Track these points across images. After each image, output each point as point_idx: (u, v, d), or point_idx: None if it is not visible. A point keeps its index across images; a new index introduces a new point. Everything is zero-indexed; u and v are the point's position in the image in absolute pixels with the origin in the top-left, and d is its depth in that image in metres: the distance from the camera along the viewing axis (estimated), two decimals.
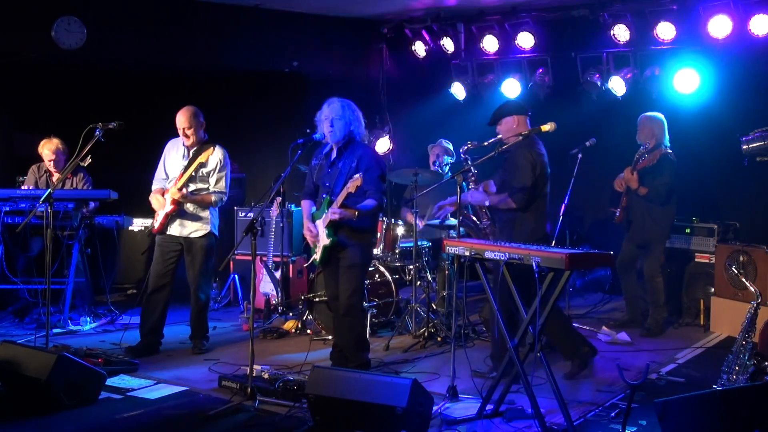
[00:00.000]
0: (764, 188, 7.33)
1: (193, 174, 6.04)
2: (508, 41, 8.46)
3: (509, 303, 5.00)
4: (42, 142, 7.16)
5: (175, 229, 6.12)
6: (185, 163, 6.09)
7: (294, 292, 7.48)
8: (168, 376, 5.59)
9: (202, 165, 6.04)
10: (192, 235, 6.13)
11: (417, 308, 6.80)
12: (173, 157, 6.20)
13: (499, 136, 5.54)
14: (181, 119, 6.05)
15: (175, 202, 6.02)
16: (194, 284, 6.21)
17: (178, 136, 6.15)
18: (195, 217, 6.12)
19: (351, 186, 5.20)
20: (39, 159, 7.29)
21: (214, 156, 6.09)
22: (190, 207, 6.10)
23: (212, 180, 6.12)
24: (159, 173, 6.27)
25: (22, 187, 7.11)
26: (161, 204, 6.08)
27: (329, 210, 5.30)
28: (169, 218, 6.09)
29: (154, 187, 6.23)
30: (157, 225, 6.12)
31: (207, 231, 6.16)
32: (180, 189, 5.99)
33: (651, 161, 6.63)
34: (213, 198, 6.11)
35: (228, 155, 6.21)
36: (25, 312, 7.18)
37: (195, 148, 6.11)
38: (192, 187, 6.08)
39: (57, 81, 7.99)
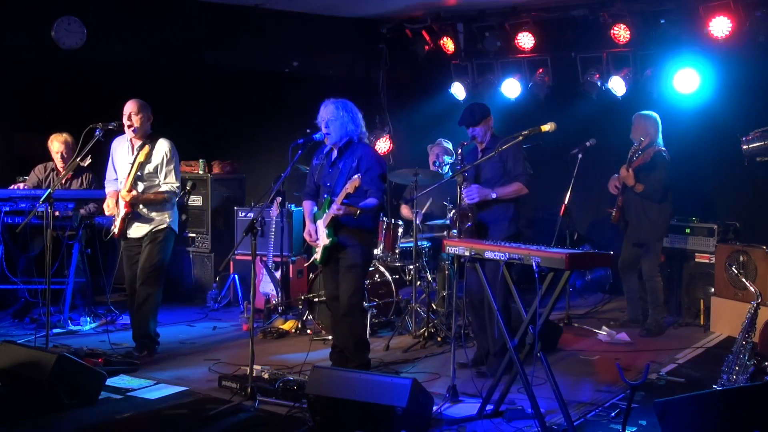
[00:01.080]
0: (764, 188, 7.33)
1: (139, 173, 5.88)
2: (508, 41, 8.46)
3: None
4: (52, 136, 7.14)
5: (135, 231, 6.00)
6: (131, 159, 5.92)
7: (294, 292, 7.48)
8: (168, 376, 5.59)
9: (146, 162, 5.87)
10: (151, 231, 6.01)
11: (417, 308, 6.80)
12: (120, 156, 6.05)
13: (473, 135, 5.67)
14: (129, 105, 5.89)
15: (127, 204, 5.88)
16: (142, 278, 5.96)
17: (124, 132, 5.99)
18: (151, 217, 5.97)
19: (349, 187, 5.20)
20: (40, 159, 7.28)
21: (160, 150, 5.92)
22: (144, 208, 5.96)
23: (161, 175, 5.96)
24: (109, 174, 6.14)
25: (20, 186, 7.10)
26: (112, 207, 5.96)
27: (330, 208, 5.31)
28: (127, 221, 5.96)
29: (107, 190, 6.12)
30: (116, 230, 6.00)
31: (164, 227, 6.00)
32: (129, 191, 5.85)
33: (645, 159, 6.62)
34: (164, 194, 5.95)
35: (175, 147, 6.03)
36: (25, 312, 7.18)
37: (140, 143, 5.95)
38: (141, 186, 5.93)
39: (57, 81, 7.98)
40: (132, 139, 5.98)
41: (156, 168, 5.94)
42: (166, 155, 5.95)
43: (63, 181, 6.98)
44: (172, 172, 5.99)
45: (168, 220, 6.02)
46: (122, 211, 5.92)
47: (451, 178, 5.63)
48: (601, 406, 4.95)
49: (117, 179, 6.08)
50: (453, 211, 6.16)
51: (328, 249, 5.42)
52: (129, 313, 6.25)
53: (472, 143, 5.78)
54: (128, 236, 6.02)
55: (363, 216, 5.33)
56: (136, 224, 5.99)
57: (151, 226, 5.99)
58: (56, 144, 7.09)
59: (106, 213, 6.07)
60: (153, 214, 5.98)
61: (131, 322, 6.19)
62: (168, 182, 5.97)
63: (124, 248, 6.12)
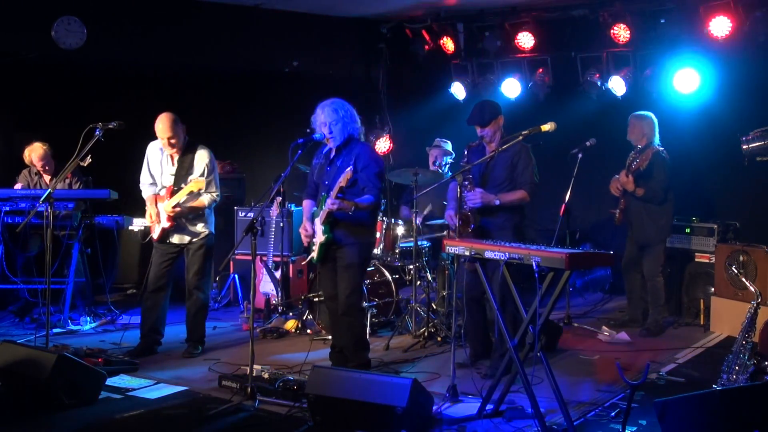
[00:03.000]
0: (764, 188, 7.33)
1: (183, 185, 5.93)
2: (508, 41, 8.46)
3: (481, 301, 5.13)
4: (27, 150, 7.16)
5: (176, 238, 6.09)
6: (172, 171, 6.01)
7: (294, 292, 7.48)
8: (168, 376, 5.59)
9: (187, 175, 5.95)
10: (193, 241, 6.11)
11: (417, 308, 6.80)
12: (158, 162, 6.09)
13: (482, 135, 5.63)
14: (163, 129, 5.87)
15: (170, 218, 5.98)
16: (194, 284, 6.14)
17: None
18: (193, 224, 6.07)
19: (342, 180, 5.20)
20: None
21: (200, 161, 5.99)
22: (185, 218, 6.04)
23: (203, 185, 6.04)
24: (145, 177, 6.16)
25: (15, 187, 7.13)
26: (156, 219, 6.03)
27: (326, 203, 5.31)
28: (167, 230, 6.05)
29: (145, 194, 6.14)
30: (156, 236, 6.06)
31: (206, 234, 6.13)
32: (174, 207, 5.93)
33: (644, 162, 6.61)
34: (206, 202, 6.04)
35: (213, 154, 6.11)
36: (25, 312, 7.18)
37: (179, 155, 6.02)
38: (183, 198, 5.99)
39: (57, 81, 7.99)
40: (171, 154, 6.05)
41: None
42: (207, 166, 6.02)
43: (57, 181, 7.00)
44: (213, 181, 6.07)
45: (207, 227, 6.14)
46: (164, 224, 6.00)
47: (450, 178, 5.61)
48: (601, 406, 4.95)
49: (153, 183, 6.12)
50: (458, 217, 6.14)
51: (324, 246, 5.41)
52: (142, 308, 6.24)
53: (480, 143, 5.74)
54: (168, 241, 6.09)
55: (359, 213, 5.32)
56: (176, 233, 6.07)
57: (192, 236, 6.09)
58: (36, 158, 7.16)
59: (148, 222, 6.12)
60: (193, 224, 6.08)
61: (145, 320, 6.18)
62: (210, 192, 6.05)
63: (158, 247, 6.13)
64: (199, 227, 6.10)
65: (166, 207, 5.97)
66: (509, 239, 5.36)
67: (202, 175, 5.99)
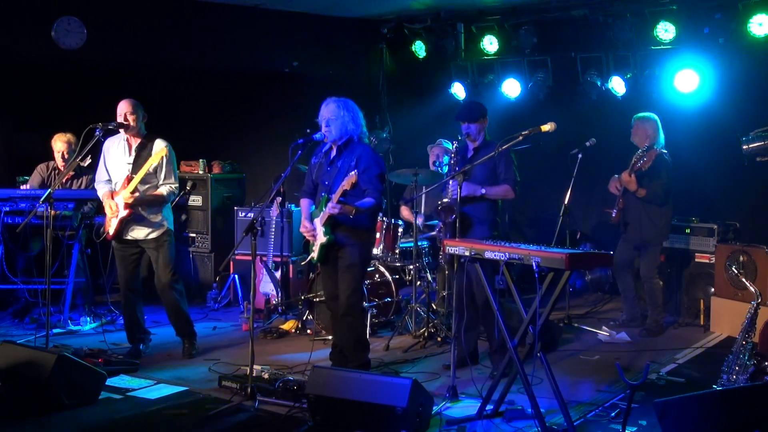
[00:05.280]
0: (764, 188, 7.33)
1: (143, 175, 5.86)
2: (508, 41, 8.46)
3: (466, 299, 5.18)
4: (55, 136, 7.13)
5: (132, 234, 5.93)
6: (129, 160, 5.92)
7: (294, 292, 7.48)
8: (168, 376, 5.59)
9: (144, 163, 5.84)
10: (150, 236, 5.95)
11: (417, 308, 6.80)
12: (115, 156, 6.00)
13: (468, 132, 5.74)
14: (124, 105, 5.87)
15: (128, 206, 5.83)
16: (165, 284, 6.00)
17: (117, 132, 5.97)
18: (150, 219, 5.93)
19: (346, 183, 5.20)
20: (40, 159, 7.29)
21: (160, 151, 5.87)
22: (142, 210, 5.91)
23: (161, 175, 5.93)
24: (101, 175, 6.04)
25: (24, 187, 7.11)
26: (114, 210, 5.87)
27: (327, 206, 5.31)
28: (124, 223, 5.90)
29: (100, 192, 6.03)
30: (111, 231, 5.91)
31: (165, 229, 5.99)
32: (132, 192, 5.80)
33: (647, 163, 6.61)
34: (164, 193, 5.92)
35: (171, 147, 6.01)
36: (25, 312, 7.18)
37: (138, 143, 5.94)
38: (142, 187, 5.88)
39: (57, 81, 7.98)
40: (129, 138, 5.96)
41: (155, 169, 5.91)
42: (165, 156, 5.91)
43: (63, 181, 6.98)
44: (172, 172, 5.98)
45: (166, 222, 6.01)
46: (122, 212, 5.87)
47: (451, 178, 5.63)
48: (601, 406, 4.95)
49: (109, 180, 6.03)
50: (439, 203, 6.16)
51: (325, 247, 5.41)
52: (123, 314, 6.22)
53: (463, 140, 5.81)
54: (124, 238, 5.96)
55: (360, 215, 5.33)
56: (133, 226, 5.94)
57: (149, 229, 5.95)
58: (59, 144, 7.09)
59: (108, 215, 5.99)
60: (151, 216, 5.94)
61: (127, 323, 6.16)
62: (167, 183, 5.96)
63: (117, 249, 6.05)
64: (155, 222, 5.94)
65: (125, 194, 5.81)
66: (486, 232, 5.57)
67: (160, 164, 5.88)
